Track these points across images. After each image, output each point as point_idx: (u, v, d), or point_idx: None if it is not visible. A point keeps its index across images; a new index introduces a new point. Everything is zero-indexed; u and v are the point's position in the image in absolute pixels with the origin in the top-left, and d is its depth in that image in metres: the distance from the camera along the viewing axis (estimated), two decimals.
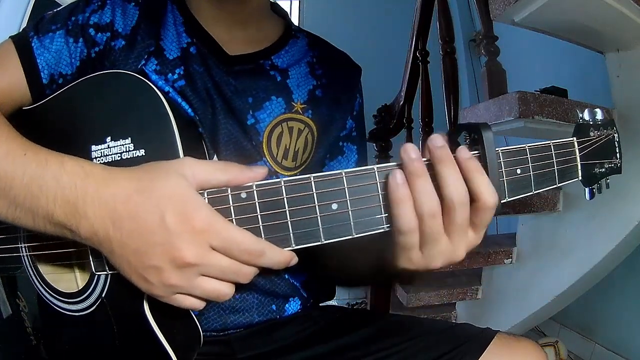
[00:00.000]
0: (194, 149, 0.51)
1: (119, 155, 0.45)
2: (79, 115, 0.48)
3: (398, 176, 0.39)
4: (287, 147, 0.61)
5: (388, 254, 0.45)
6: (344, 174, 0.40)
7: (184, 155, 0.44)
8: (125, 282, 0.40)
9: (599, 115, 0.51)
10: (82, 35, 0.56)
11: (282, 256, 0.40)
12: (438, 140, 0.40)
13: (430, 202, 0.39)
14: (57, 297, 0.50)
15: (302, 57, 0.67)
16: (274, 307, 0.62)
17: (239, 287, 0.41)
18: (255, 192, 0.40)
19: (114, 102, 0.47)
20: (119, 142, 0.45)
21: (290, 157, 0.62)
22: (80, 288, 0.48)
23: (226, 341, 0.60)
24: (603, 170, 0.50)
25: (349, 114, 0.69)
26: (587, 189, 0.51)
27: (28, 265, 0.52)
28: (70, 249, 0.46)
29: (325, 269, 0.63)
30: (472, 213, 0.41)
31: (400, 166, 0.40)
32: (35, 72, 0.54)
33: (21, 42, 0.55)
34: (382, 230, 0.41)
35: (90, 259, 0.45)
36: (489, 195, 0.40)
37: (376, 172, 0.41)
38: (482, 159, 0.41)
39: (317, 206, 0.40)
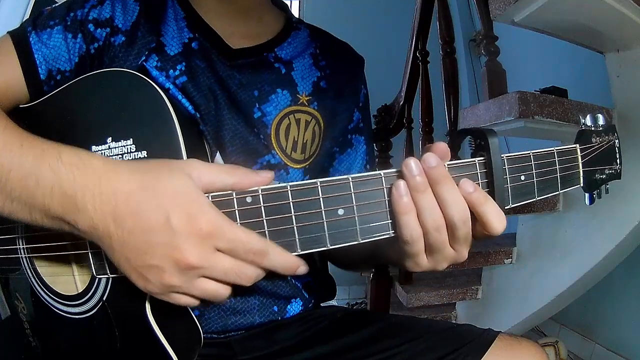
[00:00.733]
0: (196, 149, 0.50)
1: (121, 156, 0.45)
2: (79, 114, 0.47)
3: (401, 187, 0.39)
4: (296, 140, 0.61)
5: (383, 247, 0.45)
6: (350, 179, 0.40)
7: (187, 157, 0.44)
8: (127, 284, 0.39)
9: (601, 120, 0.51)
10: (80, 30, 0.55)
11: (286, 258, 0.39)
12: (432, 160, 0.39)
13: (433, 216, 0.39)
14: (57, 299, 0.50)
15: (305, 48, 0.67)
16: (275, 308, 0.62)
17: (241, 289, 0.40)
18: (260, 196, 0.39)
19: (114, 101, 0.46)
20: (120, 142, 0.45)
21: (299, 149, 0.61)
22: (80, 291, 0.48)
23: (227, 343, 0.60)
24: (604, 176, 0.50)
25: (354, 105, 0.69)
26: (587, 195, 0.51)
27: (26, 267, 0.52)
28: (69, 252, 0.46)
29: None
30: (478, 228, 0.41)
31: None
32: (33, 68, 0.53)
33: (19, 37, 0.54)
34: (388, 236, 0.41)
35: (91, 261, 0.44)
36: (498, 224, 0.40)
37: (383, 178, 0.40)
38: (488, 165, 0.42)
39: (323, 211, 0.40)
